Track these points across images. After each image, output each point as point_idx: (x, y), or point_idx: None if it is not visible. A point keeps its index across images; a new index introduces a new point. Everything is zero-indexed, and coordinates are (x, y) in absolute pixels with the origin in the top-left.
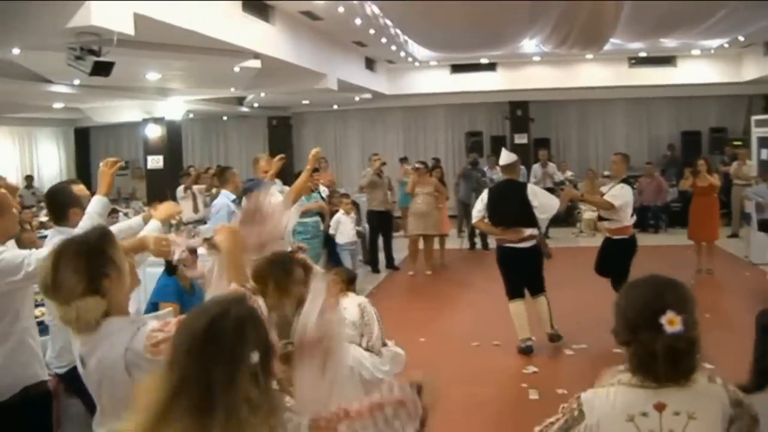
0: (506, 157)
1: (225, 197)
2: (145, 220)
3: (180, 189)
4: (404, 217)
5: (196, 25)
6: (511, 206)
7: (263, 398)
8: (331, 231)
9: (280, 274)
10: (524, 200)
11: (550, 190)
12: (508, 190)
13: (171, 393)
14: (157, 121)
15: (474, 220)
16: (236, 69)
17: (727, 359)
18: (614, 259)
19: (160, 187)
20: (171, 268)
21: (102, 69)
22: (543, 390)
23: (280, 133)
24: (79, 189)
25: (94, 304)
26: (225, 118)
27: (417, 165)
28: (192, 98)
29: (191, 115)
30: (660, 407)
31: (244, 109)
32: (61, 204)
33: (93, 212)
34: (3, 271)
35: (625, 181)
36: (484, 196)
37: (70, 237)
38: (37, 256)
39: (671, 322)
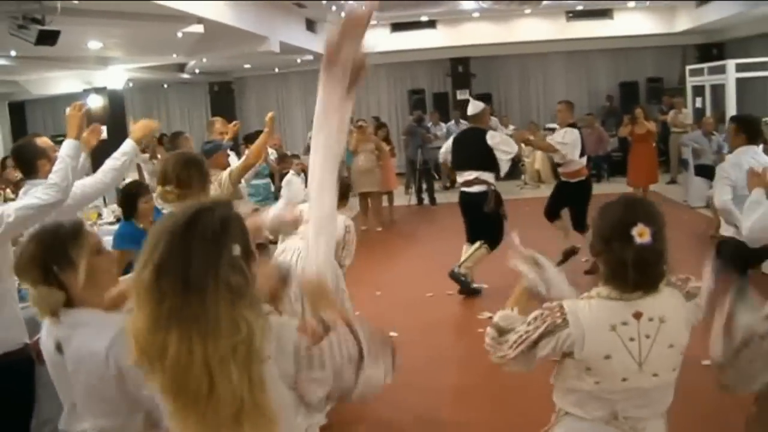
0: (473, 107)
1: None
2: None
3: None
4: (351, 176)
5: None
6: (468, 149)
7: (245, 287)
8: (283, 192)
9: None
10: (482, 144)
11: None
12: (470, 135)
13: (153, 274)
14: (99, 91)
15: (440, 159)
16: (179, 34)
17: None
18: (574, 201)
19: (105, 157)
20: (129, 212)
21: (47, 38)
22: None
23: (222, 98)
24: (43, 141)
25: (47, 294)
26: (165, 85)
27: (359, 123)
28: (133, 66)
29: (131, 84)
30: (637, 315)
31: (185, 75)
32: (28, 158)
33: (65, 155)
34: None
35: (571, 125)
36: (450, 140)
37: (46, 224)
38: (15, 206)
39: (641, 234)
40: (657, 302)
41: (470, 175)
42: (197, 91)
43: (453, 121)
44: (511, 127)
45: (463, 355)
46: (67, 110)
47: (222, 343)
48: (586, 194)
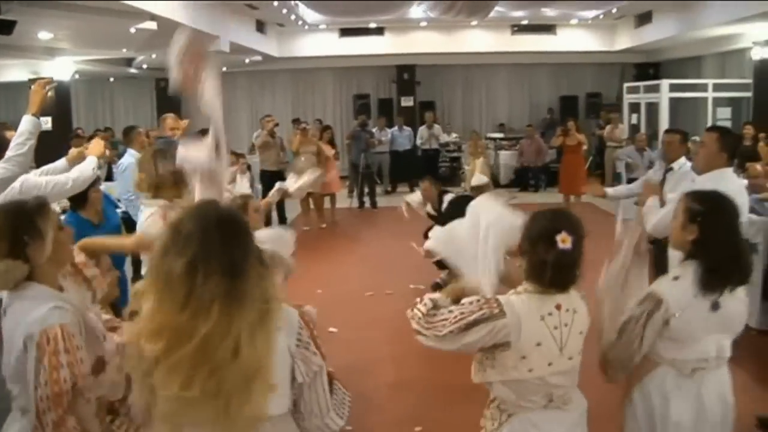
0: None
1: (131, 156)
2: (70, 162)
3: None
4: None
5: None
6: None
7: (266, 267)
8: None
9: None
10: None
11: (435, 151)
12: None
13: (186, 266)
14: None
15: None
16: (132, 30)
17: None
18: None
19: (48, 149)
20: (77, 203)
21: (4, 27)
22: None
23: (169, 94)
24: (11, 134)
25: (13, 267)
26: (112, 79)
27: (302, 126)
28: (80, 59)
29: (77, 76)
30: (558, 307)
31: (133, 70)
32: None
33: (24, 130)
34: None
35: None
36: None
37: (7, 201)
38: None
39: (564, 240)
40: (570, 296)
41: None
42: (144, 86)
43: (396, 127)
44: (454, 134)
45: (401, 352)
46: (32, 86)
47: (254, 314)
48: None
